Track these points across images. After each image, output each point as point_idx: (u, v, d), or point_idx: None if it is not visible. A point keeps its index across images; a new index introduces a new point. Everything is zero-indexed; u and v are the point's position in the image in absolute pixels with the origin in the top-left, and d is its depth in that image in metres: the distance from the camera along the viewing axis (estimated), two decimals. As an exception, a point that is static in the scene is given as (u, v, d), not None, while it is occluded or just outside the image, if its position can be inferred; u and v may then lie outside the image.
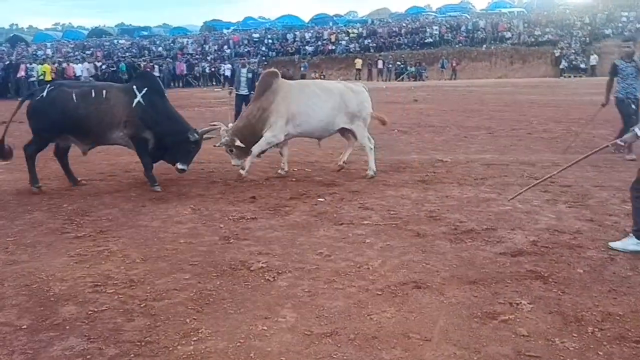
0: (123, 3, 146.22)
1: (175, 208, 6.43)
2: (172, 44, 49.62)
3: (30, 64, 25.49)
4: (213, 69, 39.57)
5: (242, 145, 7.64)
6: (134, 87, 7.36)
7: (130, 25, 73.00)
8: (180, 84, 34.55)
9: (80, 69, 27.43)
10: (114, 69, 29.55)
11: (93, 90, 7.20)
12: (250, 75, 13.47)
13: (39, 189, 7.19)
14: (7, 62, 26.45)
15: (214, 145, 8.07)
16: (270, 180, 7.83)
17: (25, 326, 3.59)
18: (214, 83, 38.06)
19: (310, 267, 4.58)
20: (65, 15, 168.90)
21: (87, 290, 4.13)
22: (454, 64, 41.15)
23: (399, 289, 4.11)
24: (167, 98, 7.70)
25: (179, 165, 7.52)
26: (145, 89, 7.33)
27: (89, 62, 29.16)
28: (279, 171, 8.20)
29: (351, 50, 45.57)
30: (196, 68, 39.78)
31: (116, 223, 5.85)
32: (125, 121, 7.17)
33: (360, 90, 8.16)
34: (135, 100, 7.20)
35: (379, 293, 4.05)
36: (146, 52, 45.95)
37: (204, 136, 7.68)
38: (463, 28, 45.93)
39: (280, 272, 4.49)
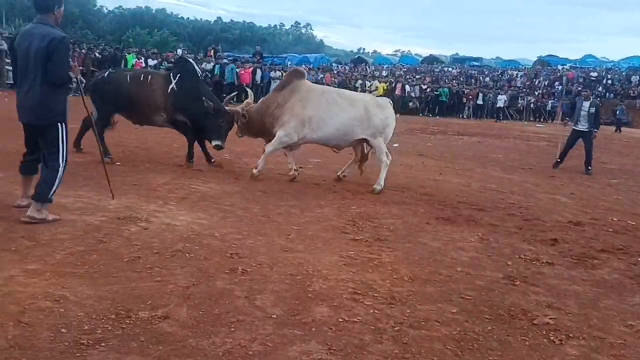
0: (460, 36, 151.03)
1: (462, 232, 5.81)
2: (500, 76, 48.82)
3: (370, 81, 27.98)
4: (539, 104, 37.47)
5: (245, 118, 7.68)
6: (171, 74, 8.05)
7: (464, 55, 74.57)
8: (500, 116, 33.48)
9: (408, 89, 29.07)
10: (437, 92, 30.23)
11: (142, 75, 8.18)
12: (593, 110, 11.83)
13: (111, 159, 7.68)
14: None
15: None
16: (580, 226, 6.59)
17: (275, 315, 3.42)
18: (537, 118, 36.03)
19: (613, 340, 3.48)
20: (406, 44, 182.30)
21: (345, 296, 3.82)
22: None
23: None
24: (201, 82, 8.23)
25: (213, 142, 7.92)
26: (179, 75, 7.91)
27: (414, 85, 30.51)
28: (291, 172, 7.84)
29: None
30: (520, 101, 38.19)
31: (396, 234, 5.50)
32: (163, 107, 7.85)
33: (386, 105, 7.79)
34: (170, 87, 7.81)
35: None
36: (473, 80, 46.10)
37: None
38: None
39: (571, 335, 3.51)
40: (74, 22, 58.08)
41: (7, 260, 3.84)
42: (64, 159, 4.90)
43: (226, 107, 7.95)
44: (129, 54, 22.14)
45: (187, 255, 4.32)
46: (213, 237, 4.83)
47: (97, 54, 21.07)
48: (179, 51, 29.72)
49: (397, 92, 28.09)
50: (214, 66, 23.42)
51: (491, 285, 4.35)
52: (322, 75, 27.39)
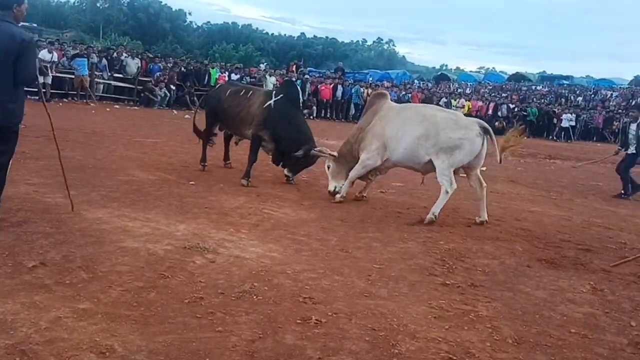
0: (547, 54, 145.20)
1: (570, 279, 4.98)
2: (593, 95, 46.09)
3: (456, 99, 26.99)
4: (637, 126, 34.86)
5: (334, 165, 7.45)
6: (274, 92, 8.09)
7: (552, 73, 71.47)
8: (595, 138, 31.33)
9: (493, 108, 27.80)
10: (525, 113, 28.67)
11: (244, 90, 8.38)
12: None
13: (204, 167, 8.43)
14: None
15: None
16: None
17: (353, 387, 2.84)
18: (635, 141, 33.50)
19: None
20: (490, 60, 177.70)
21: (438, 363, 3.17)
22: None
23: None
24: (299, 109, 8.25)
25: (286, 172, 8.05)
26: (282, 95, 7.86)
27: (501, 104, 29.08)
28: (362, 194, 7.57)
29: None
30: (615, 123, 35.67)
31: (492, 280, 4.77)
32: (253, 118, 7.84)
33: (468, 126, 6.67)
34: (267, 103, 7.78)
35: None
36: (563, 100, 43.78)
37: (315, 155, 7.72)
38: None
39: None
40: (165, 37, 60.63)
41: (59, 297, 3.48)
42: (10, 163, 4.76)
43: (315, 149, 7.73)
44: (212, 68, 22.39)
45: (255, 297, 3.81)
46: (285, 275, 4.31)
47: (182, 69, 21.41)
48: (262, 66, 29.96)
49: (489, 111, 26.84)
50: (295, 81, 23.26)
51: (615, 355, 3.55)
52: (409, 95, 26.61)
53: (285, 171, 8.05)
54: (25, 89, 4.92)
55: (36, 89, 5.31)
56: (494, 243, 5.98)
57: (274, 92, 8.17)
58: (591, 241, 6.50)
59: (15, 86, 4.62)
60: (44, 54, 16.47)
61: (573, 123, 29.58)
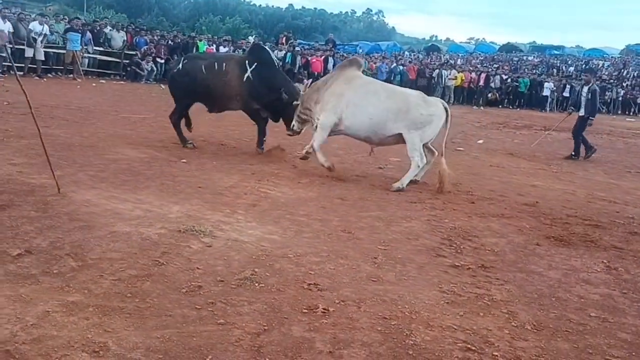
0: (537, 23, 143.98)
1: (582, 258, 4.80)
2: (584, 65, 45.77)
3: (447, 70, 26.41)
4: (628, 97, 34.69)
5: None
6: (247, 61, 7.85)
7: (542, 44, 71.00)
8: (548, 108, 30.63)
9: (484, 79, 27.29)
10: (517, 83, 28.32)
11: (215, 62, 7.95)
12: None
13: (193, 146, 8.03)
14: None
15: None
16: None
17: (368, 384, 2.62)
18: (627, 112, 33.39)
19: None
20: (480, 31, 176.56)
21: (456, 354, 2.96)
22: None
23: None
24: (276, 68, 8.14)
25: (288, 131, 7.72)
26: (256, 63, 7.73)
27: (494, 75, 28.59)
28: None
29: None
30: (608, 94, 35.50)
31: (502, 259, 4.57)
32: (237, 95, 7.77)
33: (435, 104, 7.13)
34: (245, 75, 7.68)
35: None
36: (555, 70, 43.51)
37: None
38: None
39: None
40: (150, 10, 59.36)
41: (47, 288, 3.23)
42: None
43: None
44: (200, 41, 21.82)
45: (257, 285, 3.58)
46: (287, 260, 4.07)
47: (169, 42, 20.85)
48: (251, 38, 29.32)
49: (481, 82, 26.43)
50: (285, 54, 22.78)
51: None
52: (402, 67, 26.01)
53: (288, 131, 7.76)
54: (14, 64, 4.63)
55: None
56: (500, 220, 5.78)
57: (247, 60, 7.91)
58: (598, 216, 6.33)
59: None
60: (34, 26, 15.89)
61: (554, 92, 29.01)
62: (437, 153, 7.27)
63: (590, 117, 11.32)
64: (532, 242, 5.13)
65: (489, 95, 26.87)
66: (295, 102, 7.50)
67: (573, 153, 11.27)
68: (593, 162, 11.07)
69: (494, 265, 4.40)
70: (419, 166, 6.91)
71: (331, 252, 4.34)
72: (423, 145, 7.06)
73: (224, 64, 7.89)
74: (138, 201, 5.14)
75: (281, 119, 8.14)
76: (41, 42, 15.72)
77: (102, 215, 4.60)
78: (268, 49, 8.57)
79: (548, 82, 29.50)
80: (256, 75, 7.72)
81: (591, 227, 5.85)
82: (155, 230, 4.40)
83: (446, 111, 7.11)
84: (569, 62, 46.95)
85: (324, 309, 3.33)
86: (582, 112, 11.39)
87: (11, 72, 4.44)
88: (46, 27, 16.31)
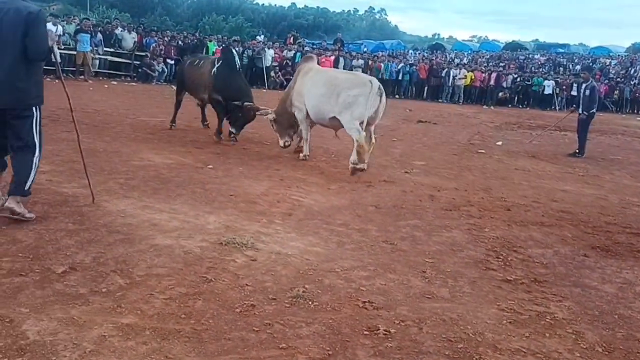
0: (541, 21, 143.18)
1: (633, 270, 4.66)
2: (591, 64, 45.55)
3: (457, 69, 26.20)
4: (637, 95, 34.48)
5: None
6: (216, 59, 9.25)
7: (545, 42, 70.75)
8: (552, 106, 30.16)
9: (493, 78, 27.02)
10: (529, 82, 28.10)
11: (197, 59, 9.77)
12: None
13: (172, 127, 9.64)
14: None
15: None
16: None
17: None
18: (636, 111, 33.20)
19: None
20: (483, 29, 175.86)
21: (531, 380, 2.82)
22: None
23: None
24: (237, 71, 9.08)
25: (230, 128, 8.85)
26: (221, 62, 8.96)
27: (507, 74, 28.31)
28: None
29: None
30: (616, 92, 35.28)
31: (554, 273, 4.42)
32: (206, 85, 8.98)
33: (361, 84, 7.36)
34: (212, 70, 8.86)
35: None
36: (561, 69, 43.32)
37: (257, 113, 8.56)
38: None
39: None
40: (154, 9, 59.19)
41: (98, 310, 3.09)
42: (40, 147, 4.38)
43: (248, 104, 8.55)
44: (210, 42, 21.68)
45: (311, 303, 3.44)
46: (335, 275, 3.94)
47: (179, 42, 20.71)
48: (259, 38, 29.16)
49: (492, 82, 26.20)
50: (295, 54, 22.63)
51: None
52: (414, 67, 25.72)
53: (230, 128, 8.83)
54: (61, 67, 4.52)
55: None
56: (541, 229, 5.63)
57: (216, 59, 9.32)
58: (637, 223, 6.18)
59: (29, 63, 4.23)
60: (49, 27, 15.74)
61: (557, 90, 28.67)
62: (373, 141, 7.63)
63: (584, 112, 11.51)
64: (579, 252, 4.98)
65: (500, 94, 26.69)
66: (246, 103, 8.47)
67: (577, 151, 11.53)
68: (616, 164, 10.93)
69: (546, 279, 4.25)
70: (359, 143, 7.11)
71: (378, 265, 4.21)
72: (368, 128, 7.41)
73: (203, 61, 9.54)
74: (173, 211, 5.00)
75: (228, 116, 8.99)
76: (57, 42, 15.61)
77: (140, 227, 4.46)
78: (235, 53, 9.70)
79: (549, 80, 29.16)
80: (220, 71, 8.84)
81: (634, 235, 5.70)
82: (196, 243, 4.27)
83: (376, 89, 7.28)
84: (576, 61, 46.70)
85: (385, 330, 3.19)
86: (580, 110, 11.70)
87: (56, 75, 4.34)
88: (60, 27, 16.20)
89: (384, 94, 7.46)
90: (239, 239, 4.42)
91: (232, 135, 8.84)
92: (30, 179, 4.29)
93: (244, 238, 4.45)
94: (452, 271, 4.24)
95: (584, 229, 5.75)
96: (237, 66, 9.22)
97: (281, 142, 8.29)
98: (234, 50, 10.13)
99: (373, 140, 7.57)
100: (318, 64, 22.68)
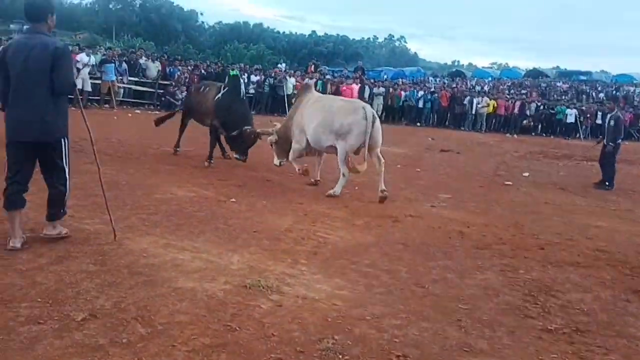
0: (562, 49, 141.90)
1: (680, 319, 4.37)
2: (615, 91, 45.02)
3: (480, 97, 25.94)
4: (664, 122, 33.87)
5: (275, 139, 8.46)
6: (222, 86, 9.33)
7: (565, 69, 70.25)
8: (572, 134, 29.43)
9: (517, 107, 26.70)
10: (552, 111, 27.69)
11: (203, 86, 10.00)
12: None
13: (176, 152, 9.92)
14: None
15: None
16: None
17: None
18: (661, 139, 32.56)
19: None
20: (503, 56, 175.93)
21: None
22: None
23: None
24: (241, 98, 9.13)
25: (234, 155, 9.05)
26: (226, 89, 9.06)
27: (530, 103, 27.97)
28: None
29: None
30: (641, 122, 34.68)
31: (595, 321, 4.17)
32: (209, 111, 9.13)
33: (355, 111, 7.47)
34: (216, 96, 9.02)
35: None
36: (584, 96, 42.86)
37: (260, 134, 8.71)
38: None
39: None
40: (177, 37, 60.20)
41: (119, 364, 2.93)
42: (69, 177, 4.65)
43: (247, 127, 8.68)
44: (232, 70, 21.81)
45: (341, 357, 3.25)
46: (365, 323, 3.74)
47: (202, 71, 20.89)
48: (280, 66, 29.37)
49: (516, 110, 25.93)
50: (316, 82, 22.66)
51: None
52: (435, 95, 25.58)
53: (235, 155, 8.99)
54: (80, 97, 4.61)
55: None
56: (577, 270, 5.37)
57: (222, 86, 9.36)
58: (679, 264, 5.88)
59: (55, 97, 4.35)
60: (82, 57, 16.19)
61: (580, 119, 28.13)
62: (382, 160, 7.78)
63: (610, 144, 11.26)
64: (620, 297, 4.72)
65: (524, 122, 26.39)
66: (245, 127, 8.60)
67: (607, 183, 11.22)
68: (649, 198, 10.58)
69: (588, 329, 4.00)
70: (344, 176, 7.55)
71: (410, 312, 4.00)
72: (369, 152, 7.51)
73: (209, 88, 9.68)
74: (195, 249, 4.86)
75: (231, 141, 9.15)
76: (87, 73, 15.98)
77: (162, 267, 4.33)
78: (241, 81, 9.86)
79: (571, 108, 28.67)
80: (224, 98, 8.98)
81: (676, 278, 5.41)
82: (219, 286, 4.11)
83: (371, 117, 7.41)
84: (599, 88, 46.20)
85: (422, 389, 2.98)
86: (605, 141, 11.49)
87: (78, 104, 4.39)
88: (93, 57, 16.60)
89: (377, 120, 7.64)
90: (264, 281, 4.25)
91: (238, 159, 8.98)
92: (66, 199, 4.65)
93: (268, 280, 4.29)
94: (488, 319, 4.02)
95: (623, 270, 5.48)
96: (242, 94, 9.40)
97: (276, 161, 8.64)
98: (239, 78, 10.20)
99: (382, 160, 7.77)
100: (339, 93, 22.91)
